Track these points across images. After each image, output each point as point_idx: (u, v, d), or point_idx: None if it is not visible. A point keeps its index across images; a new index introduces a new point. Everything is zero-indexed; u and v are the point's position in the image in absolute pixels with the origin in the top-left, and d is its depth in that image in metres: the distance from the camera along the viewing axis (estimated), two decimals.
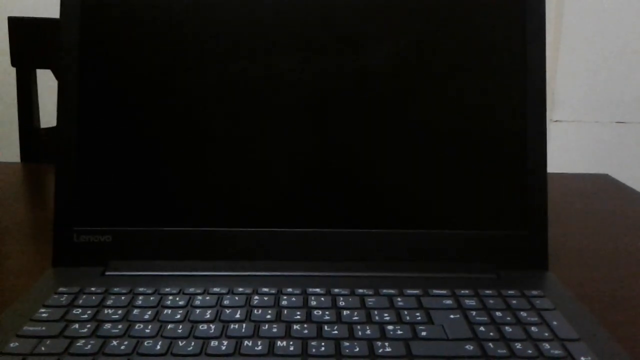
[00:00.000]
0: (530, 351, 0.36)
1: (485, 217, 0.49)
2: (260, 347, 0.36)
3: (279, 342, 0.37)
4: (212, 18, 0.49)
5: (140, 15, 0.49)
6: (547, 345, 0.37)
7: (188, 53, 0.49)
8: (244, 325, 0.39)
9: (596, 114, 1.81)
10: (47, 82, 0.99)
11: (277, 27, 0.49)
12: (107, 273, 0.46)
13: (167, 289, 0.43)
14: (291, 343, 0.37)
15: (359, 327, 0.39)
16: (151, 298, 0.42)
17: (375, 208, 0.49)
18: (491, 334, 0.38)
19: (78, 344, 0.36)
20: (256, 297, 0.42)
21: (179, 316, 0.40)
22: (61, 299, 0.42)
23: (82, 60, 0.48)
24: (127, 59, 0.49)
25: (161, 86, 0.49)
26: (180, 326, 0.38)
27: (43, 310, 0.40)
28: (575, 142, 1.81)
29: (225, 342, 0.37)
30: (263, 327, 0.38)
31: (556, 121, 1.81)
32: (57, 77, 0.49)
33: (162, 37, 0.49)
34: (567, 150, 1.79)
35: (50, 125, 0.97)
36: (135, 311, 0.40)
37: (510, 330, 0.39)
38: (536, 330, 0.39)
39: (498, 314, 0.41)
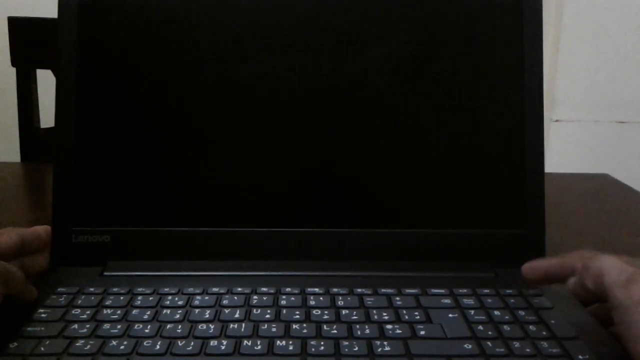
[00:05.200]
0: (528, 350, 0.36)
1: (483, 216, 0.49)
2: (259, 347, 0.36)
3: (278, 342, 0.37)
4: (211, 18, 0.49)
5: (138, 15, 0.49)
6: (545, 344, 0.37)
7: (186, 52, 0.49)
8: (243, 324, 0.39)
9: (596, 114, 1.81)
10: (47, 82, 0.99)
11: (276, 27, 0.49)
12: (106, 273, 0.46)
13: (166, 289, 0.43)
14: (290, 342, 0.37)
15: (357, 326, 0.39)
16: (150, 298, 0.42)
17: (374, 208, 0.49)
18: (489, 332, 0.38)
19: (77, 344, 0.36)
20: (255, 296, 0.42)
21: (178, 316, 0.40)
22: (60, 299, 0.42)
23: (80, 60, 0.48)
24: (124, 58, 0.49)
25: (159, 86, 0.49)
26: (180, 326, 0.38)
27: (42, 310, 0.40)
28: (575, 142, 1.81)
29: (224, 342, 0.37)
30: (262, 327, 0.38)
31: (556, 121, 1.81)
32: (55, 77, 0.49)
33: (159, 36, 0.49)
34: (567, 149, 1.79)
35: (50, 125, 0.97)
36: (135, 311, 0.40)
37: (509, 329, 0.39)
38: (534, 329, 0.39)
39: (496, 312, 0.41)
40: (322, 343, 0.37)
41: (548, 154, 0.49)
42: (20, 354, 0.35)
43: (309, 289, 0.43)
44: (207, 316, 0.40)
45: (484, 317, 0.40)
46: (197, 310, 0.40)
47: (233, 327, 0.38)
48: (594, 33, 1.74)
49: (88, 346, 0.36)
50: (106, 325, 0.38)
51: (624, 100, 1.79)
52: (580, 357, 0.36)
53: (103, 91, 0.49)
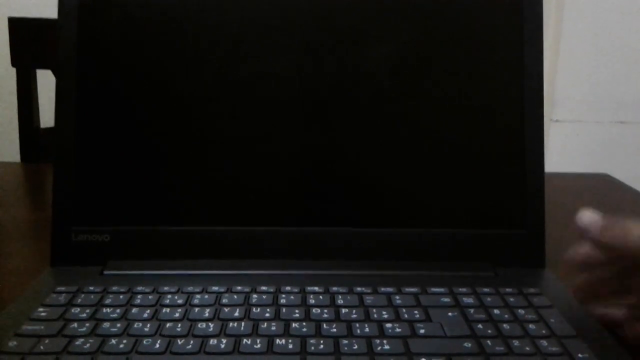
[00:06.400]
0: (527, 348, 0.36)
1: (483, 216, 0.49)
2: (259, 346, 0.36)
3: (277, 340, 0.37)
4: (211, 18, 0.49)
5: (138, 15, 0.49)
6: (544, 343, 0.37)
7: (186, 52, 0.49)
8: (243, 323, 0.39)
9: (596, 114, 1.81)
10: (47, 82, 0.99)
11: (276, 26, 0.49)
12: (106, 272, 0.46)
13: (166, 288, 0.43)
14: (290, 341, 0.37)
15: (357, 325, 0.39)
16: (150, 297, 0.42)
17: (374, 207, 0.49)
18: (489, 331, 0.38)
19: (77, 343, 0.36)
20: (255, 295, 0.42)
21: (177, 315, 0.40)
22: (60, 298, 0.42)
23: (80, 60, 0.48)
24: (124, 58, 0.49)
25: (159, 85, 0.49)
26: (179, 325, 0.38)
27: (42, 309, 0.40)
28: (575, 142, 1.81)
29: (224, 341, 0.37)
30: (262, 326, 0.38)
31: (556, 121, 1.80)
32: (55, 77, 0.49)
33: (159, 36, 0.49)
34: (567, 149, 1.79)
35: (50, 125, 0.97)
36: (134, 310, 0.40)
37: (508, 327, 0.39)
38: (533, 327, 0.39)
39: (496, 311, 0.41)
40: (321, 342, 0.37)
41: (548, 154, 0.49)
42: (19, 352, 0.35)
43: (308, 288, 0.43)
44: (207, 315, 0.40)
45: (483, 316, 0.40)
46: (196, 309, 0.40)
47: (233, 326, 0.38)
48: (594, 33, 1.74)
49: (87, 345, 0.36)
50: (106, 324, 0.38)
51: (624, 100, 1.79)
52: (579, 355, 0.36)
53: (103, 91, 0.49)
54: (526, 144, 0.49)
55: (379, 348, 0.36)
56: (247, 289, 0.43)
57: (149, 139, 0.49)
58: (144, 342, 0.36)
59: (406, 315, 0.40)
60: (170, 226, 0.48)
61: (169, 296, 0.42)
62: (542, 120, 0.50)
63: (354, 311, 0.40)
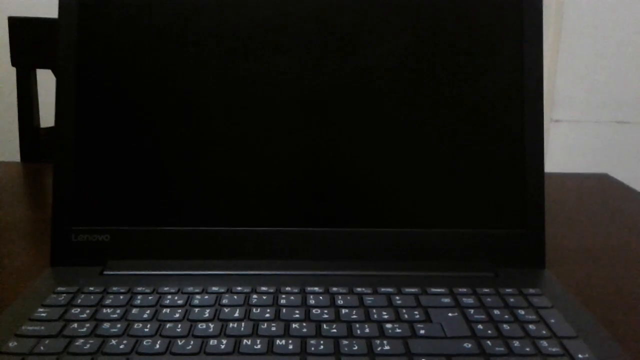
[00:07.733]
0: (528, 349, 0.36)
1: (483, 216, 0.49)
2: (259, 346, 0.36)
3: (277, 341, 0.37)
4: (211, 18, 0.49)
5: (138, 14, 0.49)
6: (545, 343, 0.37)
7: (186, 52, 0.49)
8: (243, 324, 0.39)
9: (596, 114, 1.81)
10: (47, 82, 0.99)
11: (276, 27, 0.49)
12: (106, 272, 0.46)
13: (166, 288, 0.43)
14: (290, 342, 0.37)
15: (357, 325, 0.39)
16: (150, 297, 0.42)
17: (374, 207, 0.49)
18: (489, 331, 0.38)
19: (77, 344, 0.36)
20: (255, 296, 0.42)
21: (177, 315, 0.40)
22: (60, 299, 0.42)
23: (80, 59, 0.48)
24: (125, 58, 0.49)
25: (159, 85, 0.49)
26: (179, 325, 0.38)
27: (42, 309, 0.40)
28: (575, 142, 1.81)
29: (224, 341, 0.37)
30: (262, 326, 0.38)
31: (556, 121, 1.80)
32: (55, 77, 0.49)
33: (159, 36, 0.49)
34: (567, 149, 1.79)
35: (50, 125, 0.97)
36: (134, 310, 0.40)
37: (508, 328, 0.39)
38: (534, 328, 0.39)
39: (496, 312, 0.41)
40: (321, 342, 0.37)
41: (548, 154, 0.49)
42: (19, 353, 0.35)
43: (308, 288, 0.43)
44: (207, 315, 0.40)
45: (483, 316, 0.40)
46: (196, 310, 0.40)
47: (233, 326, 0.38)
48: (594, 33, 1.74)
49: (88, 345, 0.36)
50: (106, 325, 0.38)
51: (624, 100, 1.79)
52: (579, 356, 0.36)
53: (103, 91, 0.49)
54: (526, 144, 0.49)
55: (379, 348, 0.36)
56: (247, 290, 0.43)
57: (149, 139, 0.49)
58: (144, 342, 0.36)
59: (406, 316, 0.40)
60: (170, 226, 0.48)
61: (169, 296, 0.42)
62: (542, 120, 0.50)
63: (354, 312, 0.40)
